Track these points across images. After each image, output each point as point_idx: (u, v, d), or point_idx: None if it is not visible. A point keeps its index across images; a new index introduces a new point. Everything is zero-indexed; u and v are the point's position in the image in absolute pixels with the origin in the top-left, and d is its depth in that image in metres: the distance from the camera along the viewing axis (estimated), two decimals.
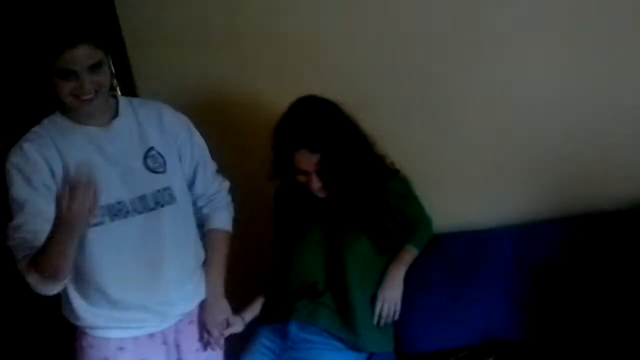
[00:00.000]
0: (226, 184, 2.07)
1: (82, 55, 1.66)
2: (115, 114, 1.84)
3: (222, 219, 2.04)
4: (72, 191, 1.49)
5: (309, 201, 2.13)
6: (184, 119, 1.97)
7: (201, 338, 1.98)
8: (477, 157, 2.36)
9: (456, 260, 2.26)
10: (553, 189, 2.34)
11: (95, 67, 1.69)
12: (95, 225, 1.73)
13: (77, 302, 1.81)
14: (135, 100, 1.97)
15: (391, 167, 2.20)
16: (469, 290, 2.21)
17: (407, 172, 2.23)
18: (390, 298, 2.10)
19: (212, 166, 2.02)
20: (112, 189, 1.76)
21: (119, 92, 2.38)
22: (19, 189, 1.70)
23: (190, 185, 1.96)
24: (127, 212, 1.78)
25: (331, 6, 2.34)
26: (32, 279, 1.66)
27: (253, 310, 2.18)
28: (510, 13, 2.23)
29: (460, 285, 2.22)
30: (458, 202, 2.39)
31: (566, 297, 2.14)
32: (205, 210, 2.01)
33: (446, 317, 2.20)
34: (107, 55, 1.77)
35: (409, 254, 2.17)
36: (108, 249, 1.76)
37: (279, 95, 2.17)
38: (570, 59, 2.24)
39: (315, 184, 2.05)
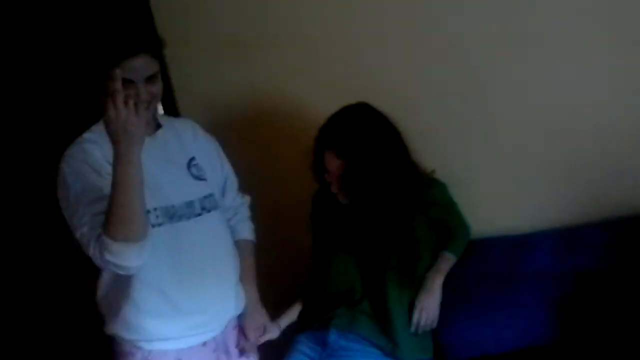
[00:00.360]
0: (248, 198, 2.13)
1: (142, 64, 1.69)
2: (157, 125, 1.89)
3: (249, 230, 2.11)
4: (113, 96, 1.52)
5: (342, 208, 2.14)
6: (211, 136, 2.04)
7: (238, 344, 2.00)
8: (516, 161, 2.34)
9: (495, 265, 2.25)
10: (593, 192, 2.30)
11: (151, 78, 1.72)
12: (158, 225, 1.75)
13: (136, 313, 1.79)
14: (166, 116, 2.05)
15: (430, 178, 2.19)
16: (508, 296, 2.18)
17: (444, 178, 2.22)
18: (428, 306, 2.09)
19: (236, 181, 2.08)
20: (163, 193, 1.79)
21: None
22: (79, 176, 1.70)
23: (221, 197, 2.00)
24: (180, 216, 1.81)
25: (368, 13, 2.35)
26: (110, 254, 1.61)
27: (289, 317, 2.20)
28: (549, 14, 2.22)
29: (499, 291, 2.19)
30: (496, 207, 2.37)
31: (608, 303, 2.09)
32: (231, 222, 2.06)
33: (485, 323, 2.17)
34: (162, 68, 1.79)
35: (447, 262, 2.15)
36: (171, 251, 1.78)
37: (315, 105, 2.21)
38: (609, 61, 2.21)
39: (334, 187, 2.07)
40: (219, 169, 2.01)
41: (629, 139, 2.24)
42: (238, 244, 2.04)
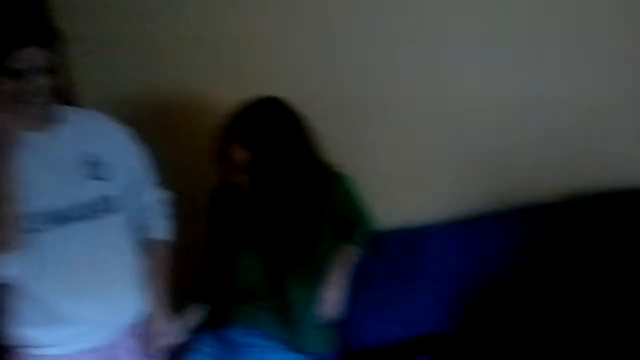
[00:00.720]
0: (167, 195, 2.05)
1: (31, 56, 1.61)
2: (55, 121, 1.77)
3: (165, 229, 2.02)
4: None
5: (245, 201, 2.14)
6: (127, 131, 1.93)
7: (143, 350, 1.94)
8: (414, 154, 2.41)
9: (396, 257, 2.31)
10: (495, 183, 2.41)
11: (44, 71, 1.64)
12: (40, 231, 1.66)
13: (12, 323, 1.73)
14: (76, 109, 1.92)
15: (335, 172, 2.19)
16: (409, 286, 2.26)
17: (349, 170, 2.22)
18: (332, 299, 2.11)
19: (154, 177, 2.00)
20: (49, 195, 1.69)
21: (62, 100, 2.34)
22: None
23: (135, 195, 1.92)
24: (69, 219, 1.71)
25: (269, 10, 2.34)
26: None
27: (194, 318, 2.16)
28: (446, 12, 2.28)
29: (400, 282, 2.27)
30: (400, 199, 2.43)
31: (504, 291, 2.19)
32: (148, 221, 1.98)
33: (387, 313, 2.25)
34: (60, 62, 1.71)
35: (350, 255, 2.18)
36: (55, 258, 1.70)
37: (219, 99, 2.17)
38: (500, 58, 2.30)
39: (239, 177, 2.06)
40: (133, 166, 1.91)
41: (523, 136, 2.34)
42: (152, 244, 1.97)
